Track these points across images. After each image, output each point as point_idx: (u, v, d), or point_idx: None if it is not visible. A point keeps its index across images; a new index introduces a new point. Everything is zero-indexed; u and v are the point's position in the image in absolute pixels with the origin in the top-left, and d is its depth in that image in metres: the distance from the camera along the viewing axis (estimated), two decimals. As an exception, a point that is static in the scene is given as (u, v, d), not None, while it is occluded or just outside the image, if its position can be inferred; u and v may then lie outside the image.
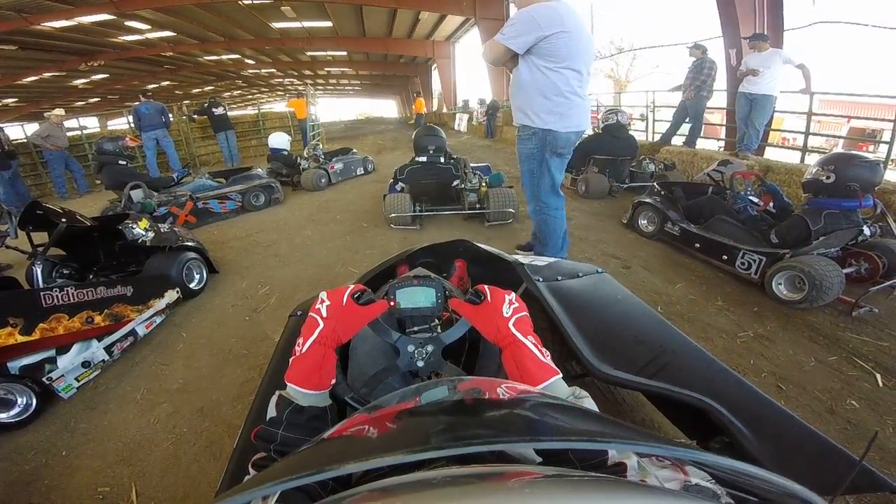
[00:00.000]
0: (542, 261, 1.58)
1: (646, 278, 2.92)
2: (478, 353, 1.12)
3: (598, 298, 1.37)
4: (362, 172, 7.25)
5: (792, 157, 5.43)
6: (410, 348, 0.88)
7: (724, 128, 7.07)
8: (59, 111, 7.22)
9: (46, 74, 16.36)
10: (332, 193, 6.12)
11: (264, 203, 5.42)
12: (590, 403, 0.68)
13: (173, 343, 2.49)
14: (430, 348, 0.88)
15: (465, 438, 0.37)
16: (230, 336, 2.51)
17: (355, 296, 0.86)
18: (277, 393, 0.76)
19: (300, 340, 0.80)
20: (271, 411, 0.73)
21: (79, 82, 19.73)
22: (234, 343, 2.43)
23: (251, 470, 0.66)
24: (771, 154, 5.79)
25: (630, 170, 5.20)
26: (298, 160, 6.55)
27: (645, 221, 3.71)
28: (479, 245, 1.54)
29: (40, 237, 2.75)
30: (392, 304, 0.92)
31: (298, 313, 1.45)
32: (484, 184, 4.34)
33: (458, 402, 0.59)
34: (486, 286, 0.86)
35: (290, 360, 0.79)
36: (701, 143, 6.30)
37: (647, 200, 3.63)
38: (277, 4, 12.74)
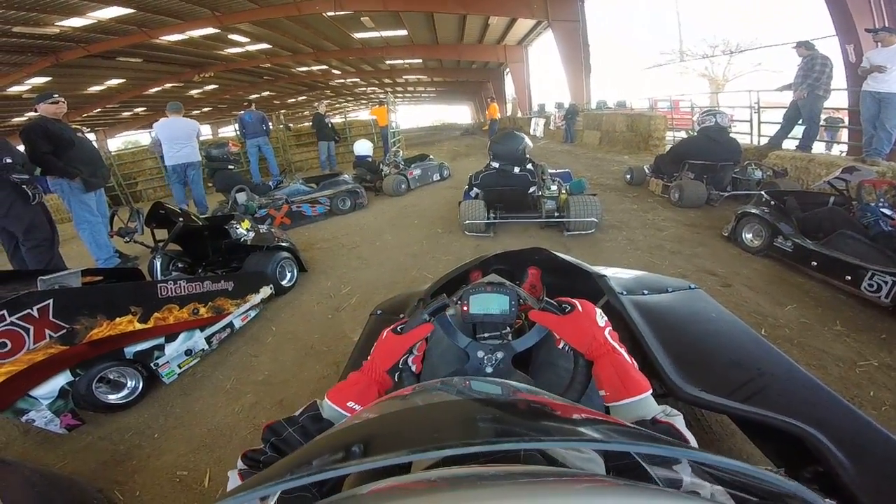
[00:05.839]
0: (626, 273, 1.47)
1: (749, 298, 2.62)
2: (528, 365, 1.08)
3: (687, 315, 1.24)
4: (438, 178, 7.37)
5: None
6: (480, 354, 0.88)
7: (846, 130, 6.25)
8: None
9: (167, 85, 18.76)
10: (410, 199, 6.28)
11: (350, 207, 5.70)
12: (681, 423, 0.65)
13: (263, 336, 2.66)
14: (499, 355, 0.87)
15: (445, 440, 0.37)
16: (313, 332, 2.63)
17: (396, 330, 0.87)
18: (315, 400, 0.79)
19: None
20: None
21: (194, 92, 22.37)
22: (316, 339, 2.55)
23: (240, 462, 0.70)
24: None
25: (732, 176, 4.67)
26: (380, 166, 6.82)
27: (750, 235, 3.32)
28: (558, 254, 1.45)
29: (161, 234, 3.11)
30: (465, 309, 0.92)
31: (378, 312, 1.46)
32: (564, 191, 4.14)
33: (490, 401, 0.57)
34: (572, 298, 0.84)
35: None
36: (818, 147, 5.59)
37: (754, 211, 3.26)
38: (357, 15, 13.45)
